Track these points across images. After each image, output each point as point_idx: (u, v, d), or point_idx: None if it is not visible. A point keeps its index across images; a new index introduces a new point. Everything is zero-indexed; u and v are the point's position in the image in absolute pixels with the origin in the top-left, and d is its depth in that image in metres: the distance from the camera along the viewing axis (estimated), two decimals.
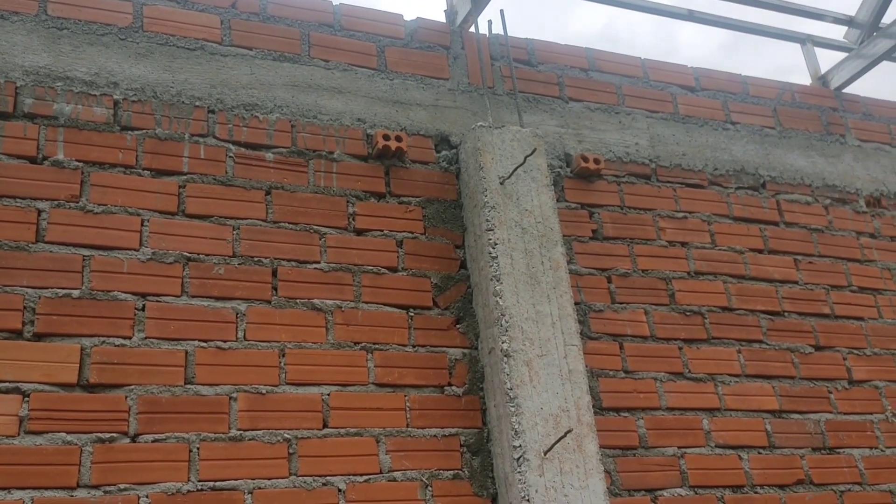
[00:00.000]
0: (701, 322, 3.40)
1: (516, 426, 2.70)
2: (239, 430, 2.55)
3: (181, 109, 2.90)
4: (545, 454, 2.68)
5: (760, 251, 3.68)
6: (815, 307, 3.65)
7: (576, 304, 3.19)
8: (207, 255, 2.74)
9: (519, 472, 2.66)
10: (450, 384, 2.89)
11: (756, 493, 3.17)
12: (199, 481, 2.45)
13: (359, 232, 3.00)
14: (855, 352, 3.63)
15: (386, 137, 3.11)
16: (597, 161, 3.43)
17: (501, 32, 3.52)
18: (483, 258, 2.98)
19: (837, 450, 3.39)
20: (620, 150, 3.58)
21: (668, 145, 3.69)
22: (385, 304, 2.92)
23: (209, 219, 2.80)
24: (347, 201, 3.03)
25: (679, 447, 3.13)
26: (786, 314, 3.58)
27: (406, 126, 3.24)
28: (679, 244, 3.52)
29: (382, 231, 3.04)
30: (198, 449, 2.48)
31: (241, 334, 2.68)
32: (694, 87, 3.90)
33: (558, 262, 3.02)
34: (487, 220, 2.99)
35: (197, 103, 2.93)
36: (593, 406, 3.04)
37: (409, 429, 2.77)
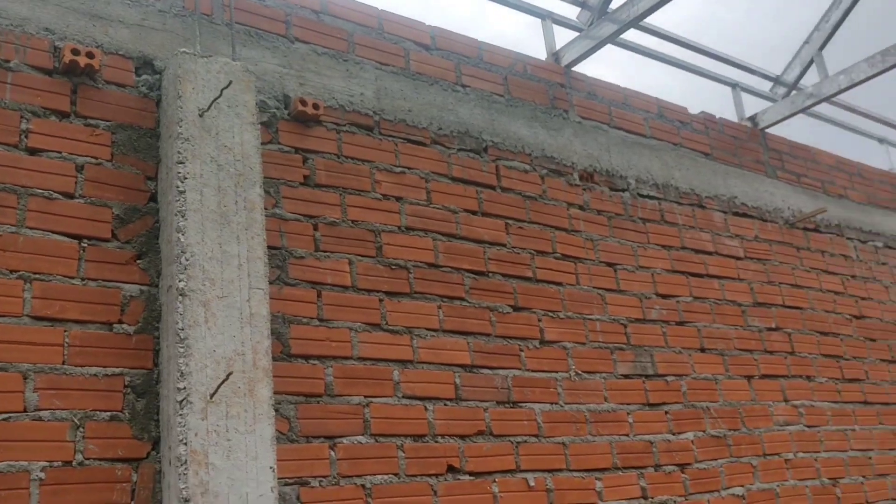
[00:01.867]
0: (406, 276, 3.46)
1: (183, 367, 2.60)
2: None
3: None
4: (211, 397, 2.61)
5: (474, 213, 3.80)
6: (519, 270, 3.84)
7: (276, 248, 3.13)
8: None
9: (180, 414, 2.56)
10: (120, 322, 2.73)
11: (437, 442, 3.29)
12: None
13: (32, 151, 2.74)
14: (550, 314, 3.87)
15: (75, 52, 2.84)
16: (316, 106, 3.37)
17: None
18: (171, 192, 2.83)
19: (520, 404, 3.60)
20: (344, 98, 3.54)
21: (394, 99, 3.70)
22: (53, 232, 2.69)
23: None
24: (22, 116, 2.75)
25: (366, 396, 3.17)
26: (490, 275, 3.73)
27: (103, 43, 2.98)
28: (394, 198, 3.55)
29: (61, 153, 2.79)
30: None
31: None
32: (429, 45, 3.93)
33: (254, 203, 2.93)
34: (179, 153, 2.83)
35: None
36: (282, 352, 3.01)
37: (66, 366, 2.58)
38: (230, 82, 2.85)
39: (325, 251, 3.27)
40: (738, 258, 4.90)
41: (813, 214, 5.28)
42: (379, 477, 3.09)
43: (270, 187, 3.21)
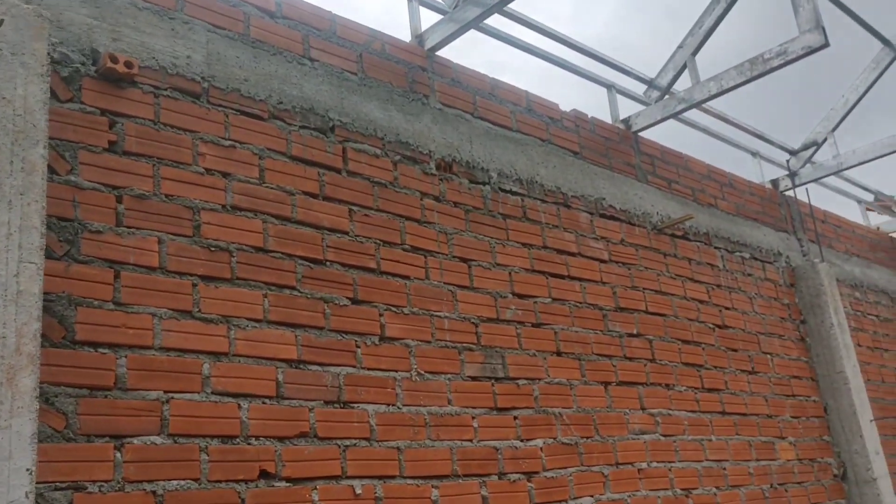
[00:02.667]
0: (227, 260, 3.12)
1: None
2: None
3: None
4: None
5: (315, 196, 3.50)
6: (361, 260, 3.56)
7: (67, 220, 2.74)
8: None
9: None
10: None
11: (249, 444, 2.97)
12: None
13: None
14: (393, 309, 3.60)
15: None
16: (129, 65, 3.00)
17: None
18: None
19: (352, 404, 3.32)
20: (167, 59, 3.18)
21: (228, 67, 3.36)
22: None
23: None
24: None
25: (166, 391, 2.82)
26: (328, 263, 3.44)
27: None
28: (220, 174, 3.21)
29: None
30: None
31: None
32: (274, 12, 3.61)
33: (34, 165, 2.54)
34: None
35: None
36: (64, 338, 2.63)
37: None
38: (2, 21, 2.46)
39: (129, 227, 2.90)
40: (603, 261, 4.77)
41: (681, 221, 5.22)
42: (174, 482, 2.74)
43: (66, 151, 2.82)
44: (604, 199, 4.92)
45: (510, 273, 4.19)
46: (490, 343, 3.94)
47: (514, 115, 4.55)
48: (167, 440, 2.77)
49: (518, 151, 4.48)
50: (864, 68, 6.36)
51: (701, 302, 5.38)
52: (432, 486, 3.47)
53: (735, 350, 5.49)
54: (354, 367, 3.37)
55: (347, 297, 3.45)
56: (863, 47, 6.48)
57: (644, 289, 4.97)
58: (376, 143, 3.81)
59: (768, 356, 5.77)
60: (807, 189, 6.85)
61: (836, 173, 6.51)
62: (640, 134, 5.44)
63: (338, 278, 3.45)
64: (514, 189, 4.39)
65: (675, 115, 5.24)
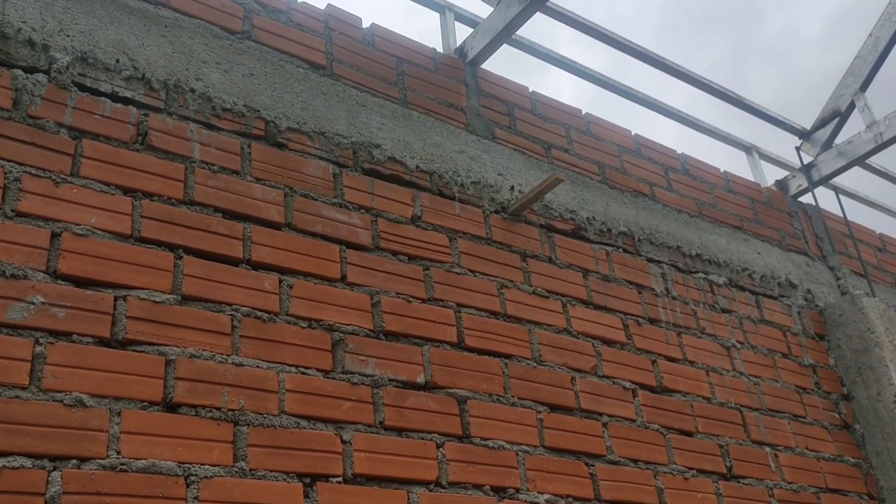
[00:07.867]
0: None
1: None
2: None
3: None
4: None
5: None
6: None
7: None
8: None
9: None
10: None
11: None
12: None
13: None
14: None
15: None
16: None
17: None
18: None
19: None
20: None
21: None
22: None
23: None
24: None
25: None
26: None
27: None
28: None
29: None
30: None
31: None
32: None
33: None
34: None
35: None
36: None
37: None
38: None
39: None
40: (355, 246, 2.49)
41: (541, 190, 2.87)
42: None
43: None
44: (377, 145, 2.71)
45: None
46: None
47: None
48: None
49: (153, 33, 2.39)
50: None
51: (608, 343, 2.92)
52: None
53: (688, 434, 2.94)
54: None
55: None
56: None
57: (461, 306, 2.61)
58: None
59: (767, 450, 3.15)
60: (837, 193, 4.35)
61: (874, 151, 4.00)
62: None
63: None
64: (125, 92, 2.26)
65: (518, 23, 3.05)
